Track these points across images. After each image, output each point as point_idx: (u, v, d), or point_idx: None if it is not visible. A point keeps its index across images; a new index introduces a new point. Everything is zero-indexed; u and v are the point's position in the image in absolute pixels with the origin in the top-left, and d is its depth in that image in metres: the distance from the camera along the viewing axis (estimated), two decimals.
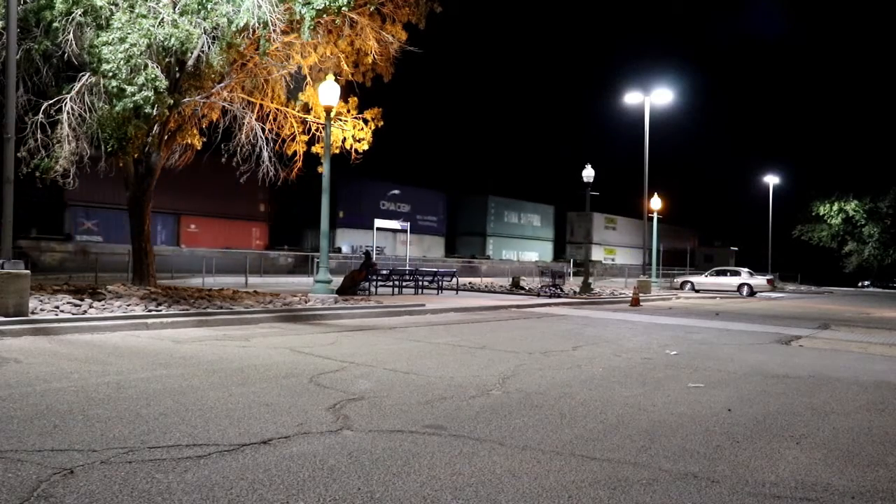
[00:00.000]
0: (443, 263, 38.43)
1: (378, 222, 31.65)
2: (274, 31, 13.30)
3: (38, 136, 12.79)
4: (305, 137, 17.83)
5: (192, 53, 13.21)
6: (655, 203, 35.59)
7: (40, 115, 12.82)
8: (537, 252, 56.21)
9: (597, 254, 58.15)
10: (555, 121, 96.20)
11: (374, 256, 24.63)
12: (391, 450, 4.64)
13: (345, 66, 16.43)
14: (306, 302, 15.14)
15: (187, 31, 12.51)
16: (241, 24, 12.91)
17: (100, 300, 12.35)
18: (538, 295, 24.57)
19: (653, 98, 32.43)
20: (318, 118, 17.34)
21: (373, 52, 16.14)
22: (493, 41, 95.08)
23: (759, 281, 37.86)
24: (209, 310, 12.41)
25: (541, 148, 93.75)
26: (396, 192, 43.85)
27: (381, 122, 17.83)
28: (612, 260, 60.04)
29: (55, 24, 12.44)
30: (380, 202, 42.78)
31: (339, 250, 37.45)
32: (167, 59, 13.24)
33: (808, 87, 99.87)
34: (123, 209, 24.43)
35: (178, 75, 13.96)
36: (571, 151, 79.24)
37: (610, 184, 46.25)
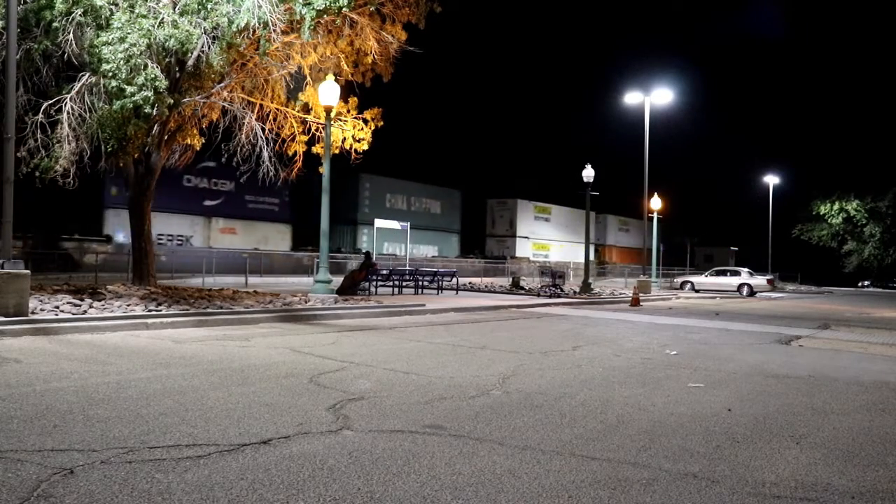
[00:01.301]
0: (285, 259, 33.54)
1: (378, 222, 31.60)
2: (274, 31, 13.30)
3: (38, 136, 12.79)
4: (305, 137, 17.84)
5: (192, 53, 13.22)
6: (655, 203, 35.60)
7: (40, 115, 12.82)
8: (436, 246, 45.83)
9: (522, 249, 50.93)
10: (554, 120, 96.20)
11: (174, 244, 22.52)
12: (391, 450, 4.64)
13: (345, 66, 16.44)
14: (306, 302, 15.14)
15: (187, 31, 12.52)
16: (242, 25, 12.91)
17: (100, 300, 12.35)
18: (538, 295, 24.58)
19: (653, 98, 32.48)
20: (318, 118, 17.35)
21: (373, 52, 16.15)
22: (493, 41, 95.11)
23: (759, 281, 37.88)
24: (209, 310, 12.41)
25: (539, 147, 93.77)
26: (211, 164, 30.84)
27: (381, 122, 17.85)
28: (546, 256, 52.84)
29: (55, 24, 12.44)
30: (184, 178, 31.67)
31: (110, 239, 29.90)
32: (167, 59, 13.24)
33: (808, 87, 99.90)
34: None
35: (178, 75, 13.97)
36: (572, 151, 79.06)
37: (610, 183, 46.04)
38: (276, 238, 37.16)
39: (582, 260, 51.35)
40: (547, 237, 54.71)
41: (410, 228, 34.62)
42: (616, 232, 62.92)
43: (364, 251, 27.47)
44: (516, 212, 51.29)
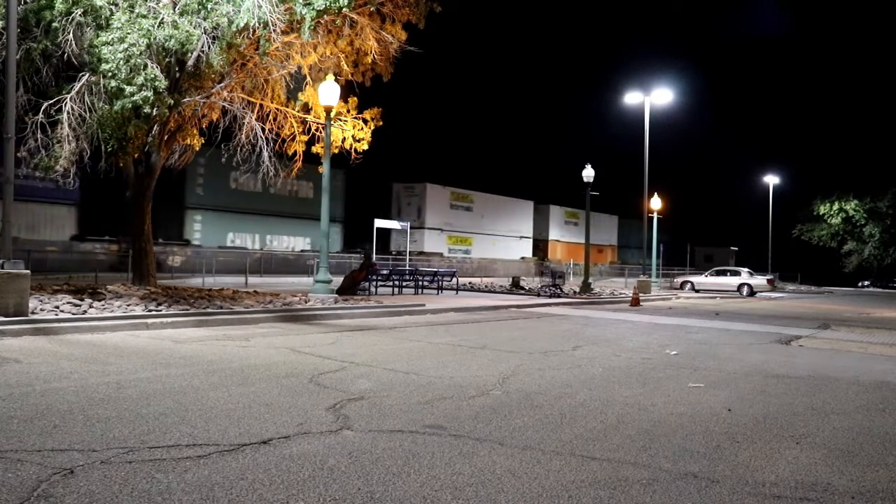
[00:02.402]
0: (60, 253, 26.60)
1: (378, 222, 31.57)
2: (274, 31, 13.30)
3: (38, 135, 12.79)
4: (305, 137, 17.83)
5: (192, 53, 13.22)
6: (655, 203, 35.61)
7: (40, 115, 12.81)
8: (308, 237, 37.07)
9: (435, 243, 43.09)
10: (554, 120, 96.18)
11: None
12: (391, 450, 4.64)
13: (344, 65, 16.43)
14: (306, 302, 15.14)
15: (187, 31, 12.51)
16: (242, 25, 12.91)
17: (100, 300, 12.35)
18: (538, 295, 24.58)
19: (653, 98, 32.48)
20: (318, 118, 17.34)
21: (372, 51, 16.14)
22: (493, 41, 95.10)
23: (759, 281, 37.88)
24: (209, 310, 12.41)
25: (541, 146, 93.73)
26: None
27: (381, 122, 17.85)
28: (467, 252, 45.09)
29: (55, 24, 12.43)
30: None
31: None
32: (167, 59, 13.24)
33: (808, 87, 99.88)
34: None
35: (178, 75, 13.96)
36: (572, 151, 78.98)
37: (610, 183, 45.90)
38: (52, 224, 27.61)
39: (516, 257, 48.06)
40: (468, 229, 45.58)
41: (267, 215, 31.78)
42: (562, 226, 57.35)
43: (365, 252, 27.45)
44: (425, 198, 42.45)
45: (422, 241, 42.43)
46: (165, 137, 15.56)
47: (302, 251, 35.44)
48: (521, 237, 52.23)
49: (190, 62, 13.68)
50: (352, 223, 40.13)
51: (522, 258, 50.69)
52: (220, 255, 28.95)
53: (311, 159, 18.29)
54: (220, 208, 32.98)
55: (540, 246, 54.08)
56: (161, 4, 12.79)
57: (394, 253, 39.64)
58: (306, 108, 17.59)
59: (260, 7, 12.82)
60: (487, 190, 48.54)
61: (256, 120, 16.80)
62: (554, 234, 55.87)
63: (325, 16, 13.97)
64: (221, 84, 15.19)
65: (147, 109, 12.39)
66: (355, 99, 17.77)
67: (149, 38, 12.25)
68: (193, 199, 31.94)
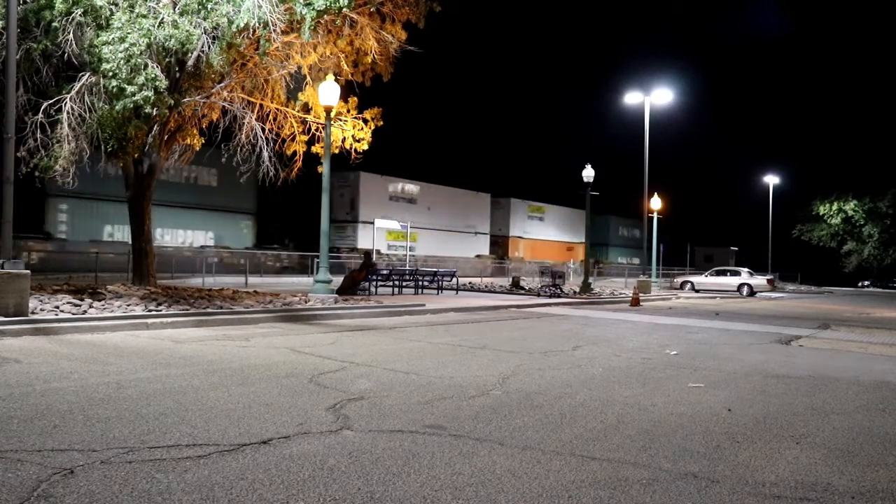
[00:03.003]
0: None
1: (379, 222, 31.55)
2: (274, 31, 13.29)
3: (38, 135, 12.78)
4: (305, 137, 17.83)
5: (192, 53, 13.22)
6: (655, 203, 35.60)
7: (40, 114, 12.81)
8: (210, 231, 33.47)
9: (370, 239, 37.88)
10: (555, 120, 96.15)
11: None
12: (391, 450, 4.64)
13: (344, 65, 16.43)
14: (306, 302, 15.14)
15: (187, 31, 12.51)
16: (242, 25, 12.90)
17: (100, 300, 12.35)
18: (538, 295, 24.58)
19: (653, 98, 32.51)
20: (318, 118, 17.34)
21: (372, 51, 16.14)
22: (493, 41, 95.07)
23: (759, 281, 37.89)
24: (209, 310, 12.41)
25: (540, 146, 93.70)
26: None
27: (381, 122, 17.85)
28: (411, 250, 40.16)
29: (55, 24, 12.43)
30: None
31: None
32: (167, 59, 13.23)
33: (808, 88, 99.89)
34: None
35: (178, 75, 13.96)
36: (572, 151, 78.99)
37: (610, 183, 45.85)
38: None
39: (471, 255, 44.39)
40: (411, 224, 40.69)
41: (157, 205, 24.15)
42: (525, 220, 52.73)
43: (365, 252, 27.45)
44: (358, 189, 38.38)
45: (355, 237, 38.17)
46: (165, 137, 15.56)
47: (203, 247, 31.63)
48: (477, 233, 47.57)
49: (190, 62, 13.68)
50: (268, 217, 36.41)
51: (478, 256, 46.04)
52: (93, 250, 24.93)
53: (311, 159, 18.30)
54: (93, 196, 27.20)
55: (500, 243, 49.98)
56: (161, 4, 12.79)
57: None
58: (306, 108, 17.59)
59: (260, 7, 12.82)
60: (439, 182, 44.79)
61: (256, 120, 16.80)
62: (516, 230, 51.51)
63: (325, 16, 13.97)
64: (221, 84, 15.19)
65: (147, 109, 12.38)
66: (355, 99, 17.77)
67: (149, 38, 12.25)
68: (55, 185, 26.90)
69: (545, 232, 53.72)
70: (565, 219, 56.51)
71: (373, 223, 38.24)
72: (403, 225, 34.66)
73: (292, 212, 35.05)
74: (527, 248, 52.03)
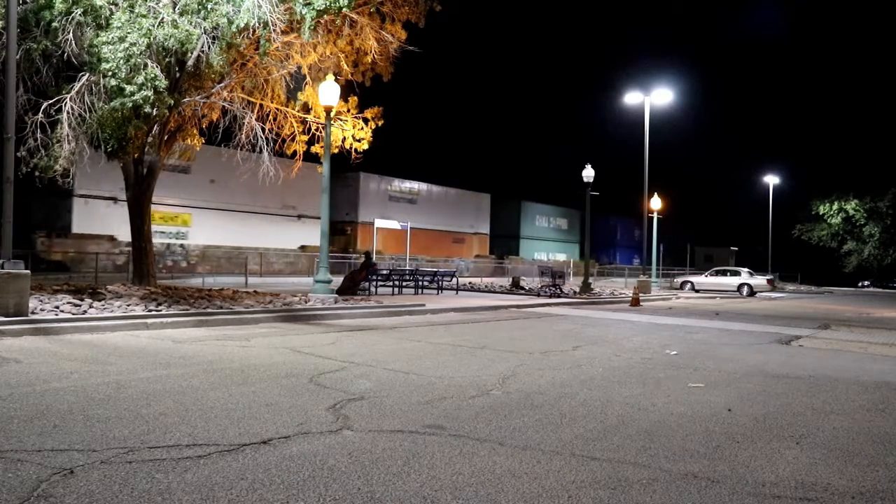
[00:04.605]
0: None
1: (379, 222, 31.56)
2: (274, 31, 13.30)
3: (38, 135, 12.79)
4: (305, 137, 17.84)
5: (192, 53, 13.21)
6: (655, 203, 35.62)
7: (40, 114, 12.81)
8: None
9: (108, 220, 27.75)
10: (554, 120, 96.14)
11: None
12: (391, 450, 4.64)
13: (344, 65, 16.43)
14: (306, 302, 15.14)
15: (187, 31, 12.51)
16: (242, 25, 12.90)
17: (100, 300, 12.34)
18: (538, 295, 24.58)
19: (653, 98, 32.50)
20: (318, 118, 17.34)
21: (372, 51, 16.14)
22: (493, 40, 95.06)
23: (759, 281, 37.88)
24: (209, 310, 12.41)
25: (540, 146, 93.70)
26: None
27: (381, 122, 17.85)
28: (180, 237, 30.91)
29: (55, 24, 12.43)
30: None
31: None
32: (167, 59, 13.23)
33: (807, 87, 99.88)
34: None
35: (178, 75, 13.96)
36: (572, 151, 78.93)
37: (610, 183, 45.84)
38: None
39: (290, 246, 35.11)
40: (182, 202, 30.52)
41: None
42: (385, 203, 41.15)
43: (365, 252, 27.46)
44: (154, 173, 23.00)
45: (90, 218, 28.15)
46: (165, 137, 15.56)
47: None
48: (300, 216, 36.36)
49: (190, 62, 13.67)
50: None
51: (302, 247, 35.01)
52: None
53: (311, 159, 18.31)
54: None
55: (346, 231, 39.27)
56: (161, 4, 12.78)
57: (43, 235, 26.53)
58: (306, 108, 17.60)
59: (260, 7, 12.82)
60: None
61: (256, 120, 16.81)
62: (368, 214, 39.28)
63: (325, 16, 13.96)
64: (221, 84, 15.19)
65: (147, 109, 12.38)
66: (355, 98, 17.78)
67: (149, 38, 12.25)
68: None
69: (415, 219, 41.31)
70: (451, 203, 45.55)
71: (114, 199, 26.86)
72: (403, 225, 34.73)
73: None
74: (385, 238, 39.71)
